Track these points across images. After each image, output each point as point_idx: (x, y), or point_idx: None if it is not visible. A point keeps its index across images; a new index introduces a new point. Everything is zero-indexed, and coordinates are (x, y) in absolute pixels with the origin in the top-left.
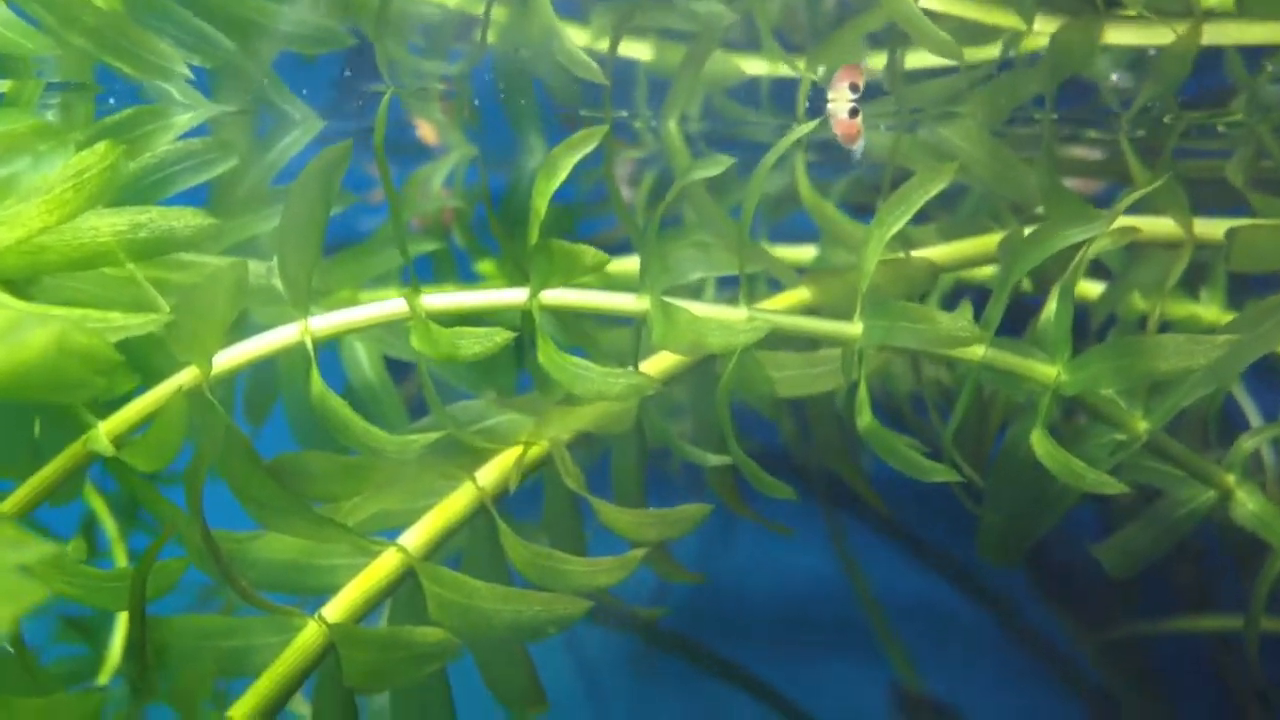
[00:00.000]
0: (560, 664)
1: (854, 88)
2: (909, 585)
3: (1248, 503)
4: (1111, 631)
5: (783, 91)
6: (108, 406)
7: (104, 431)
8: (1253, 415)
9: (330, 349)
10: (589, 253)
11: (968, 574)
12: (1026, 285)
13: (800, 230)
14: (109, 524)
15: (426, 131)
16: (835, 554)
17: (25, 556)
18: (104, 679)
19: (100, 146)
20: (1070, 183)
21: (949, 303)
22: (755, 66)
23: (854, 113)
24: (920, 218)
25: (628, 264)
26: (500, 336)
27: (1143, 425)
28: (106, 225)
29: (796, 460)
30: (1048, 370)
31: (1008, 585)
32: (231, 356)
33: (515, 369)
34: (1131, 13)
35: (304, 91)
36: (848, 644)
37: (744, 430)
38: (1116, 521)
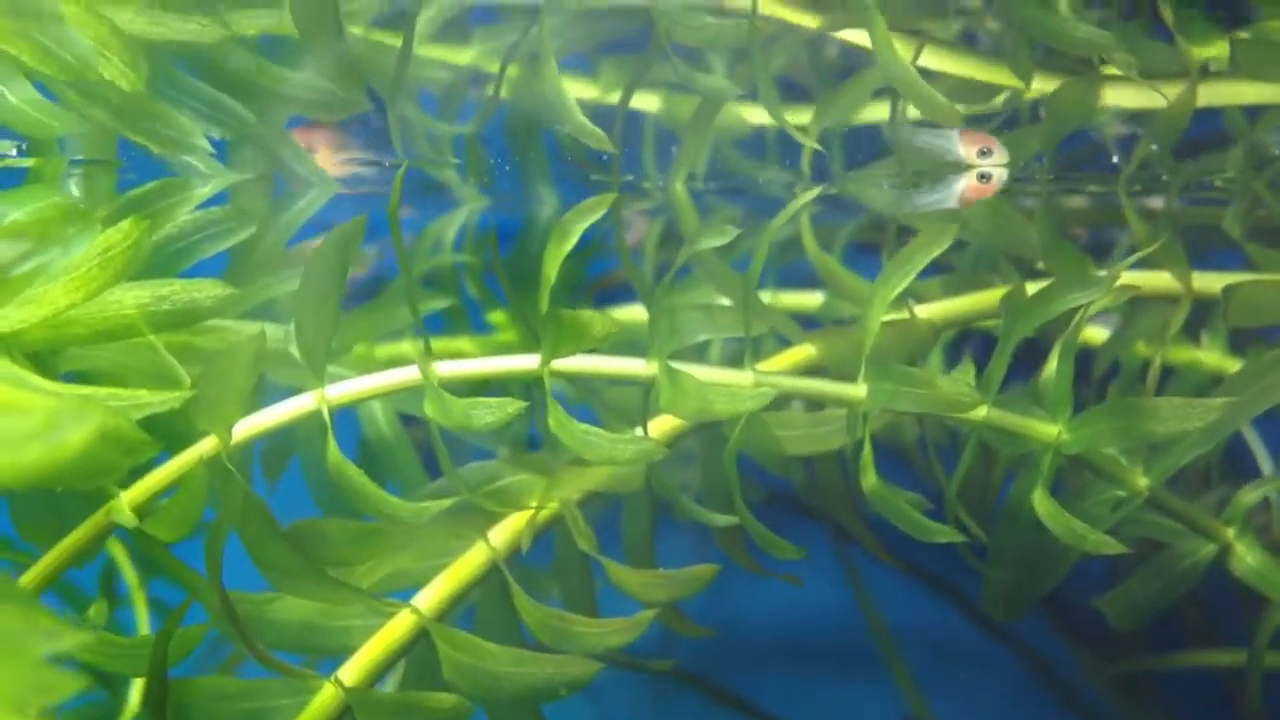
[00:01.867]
0: (572, 698)
1: (984, 153)
2: (920, 618)
3: (1247, 557)
4: (1124, 664)
5: (789, 141)
6: (129, 474)
7: (126, 501)
8: (1259, 451)
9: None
10: (598, 322)
11: (979, 607)
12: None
13: (807, 275)
14: (129, 573)
15: (324, 157)
16: (847, 586)
17: (58, 646)
18: None
19: (125, 224)
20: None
21: (953, 351)
22: (761, 116)
23: (985, 178)
24: (923, 270)
25: (634, 312)
26: (513, 408)
27: (1143, 482)
28: (131, 299)
29: (807, 495)
30: (1049, 430)
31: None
32: (250, 425)
33: (527, 422)
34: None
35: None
36: (859, 676)
37: (753, 472)
38: (1125, 567)
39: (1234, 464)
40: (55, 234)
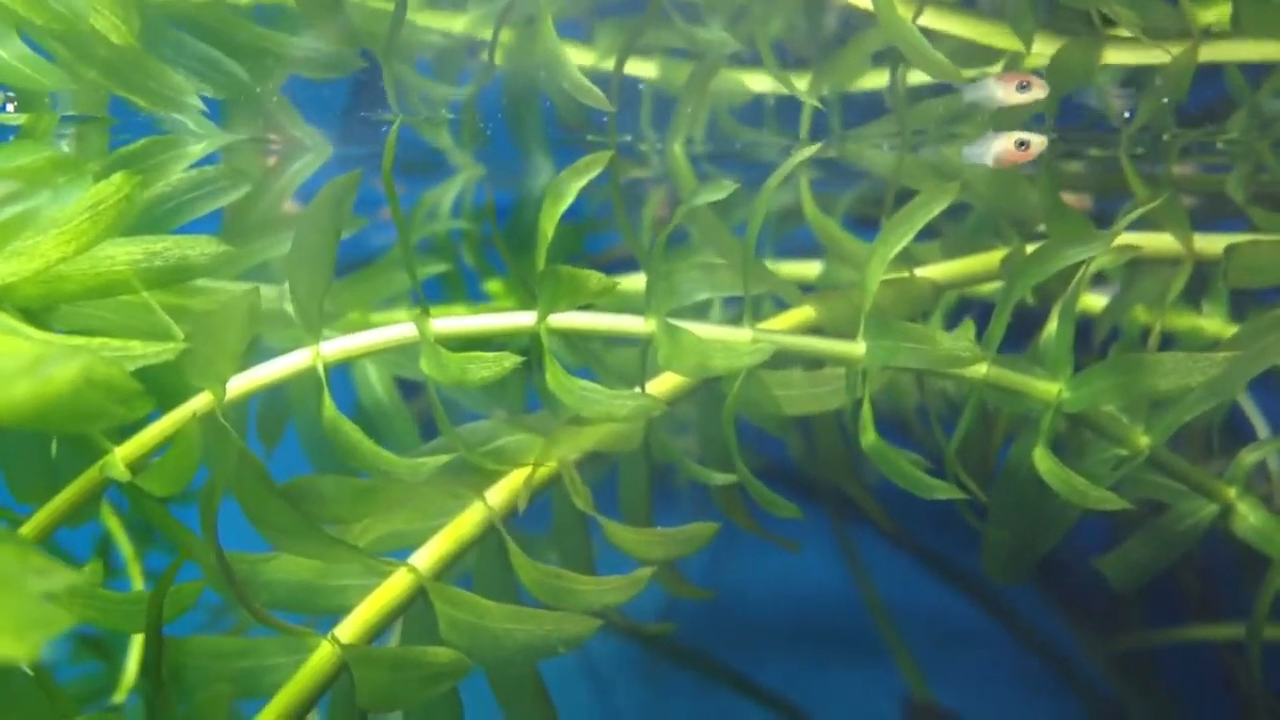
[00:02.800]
0: (571, 675)
1: (1023, 86)
2: (919, 595)
3: (1249, 516)
4: (1123, 641)
5: (787, 108)
6: (123, 431)
7: (120, 457)
8: (1258, 421)
9: (342, 368)
10: (595, 278)
11: (978, 584)
12: (1029, 298)
13: (806, 245)
14: (125, 544)
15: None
16: (845, 564)
17: (51, 584)
18: (120, 697)
19: (116, 177)
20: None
21: (953, 318)
22: (760, 83)
23: (1023, 144)
24: (924, 233)
25: (635, 281)
26: (509, 361)
27: (1144, 440)
28: (123, 254)
29: (805, 472)
30: (1049, 388)
31: (1018, 596)
32: (245, 382)
33: (524, 387)
34: (1129, 34)
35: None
36: (858, 654)
37: (751, 444)
38: (1126, 532)
39: (1234, 435)
40: (46, 180)
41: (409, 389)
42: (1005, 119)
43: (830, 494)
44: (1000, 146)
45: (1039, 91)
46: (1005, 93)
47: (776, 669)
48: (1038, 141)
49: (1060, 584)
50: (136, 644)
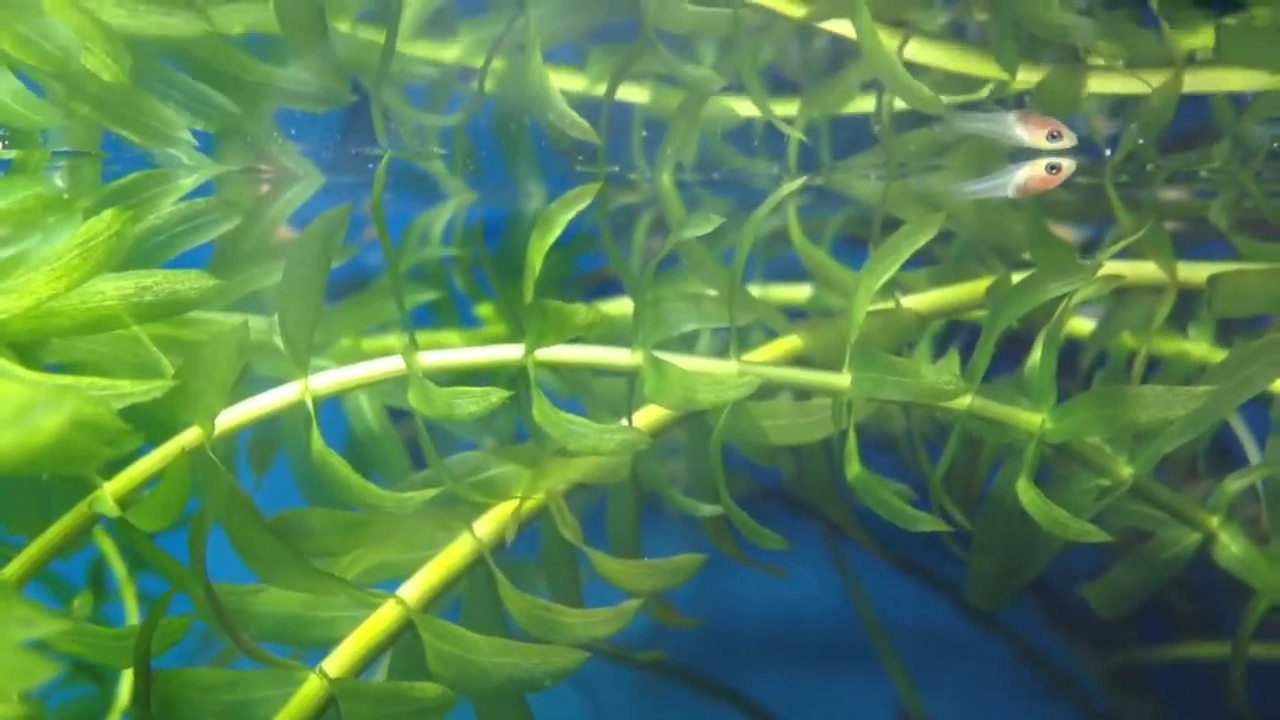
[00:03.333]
0: (563, 691)
1: (1054, 136)
2: (913, 610)
3: (1230, 545)
4: (1118, 656)
5: (776, 133)
6: (113, 465)
7: (109, 492)
8: (1247, 442)
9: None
10: (581, 312)
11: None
12: (1014, 322)
13: (795, 268)
14: (118, 566)
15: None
16: (838, 578)
17: (36, 632)
18: None
19: (107, 214)
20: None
21: (941, 344)
22: (750, 109)
23: (1054, 169)
24: (910, 261)
25: (624, 305)
26: (495, 396)
27: (1127, 471)
28: (113, 289)
29: (796, 487)
30: (1033, 419)
31: (1013, 610)
32: (234, 416)
33: (513, 416)
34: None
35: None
36: (851, 668)
37: (741, 465)
38: (1115, 555)
39: (1222, 456)
40: (36, 221)
41: (401, 411)
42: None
43: (824, 510)
44: (1027, 174)
45: (1068, 142)
46: (1031, 136)
47: (770, 683)
48: (1068, 165)
49: (1054, 599)
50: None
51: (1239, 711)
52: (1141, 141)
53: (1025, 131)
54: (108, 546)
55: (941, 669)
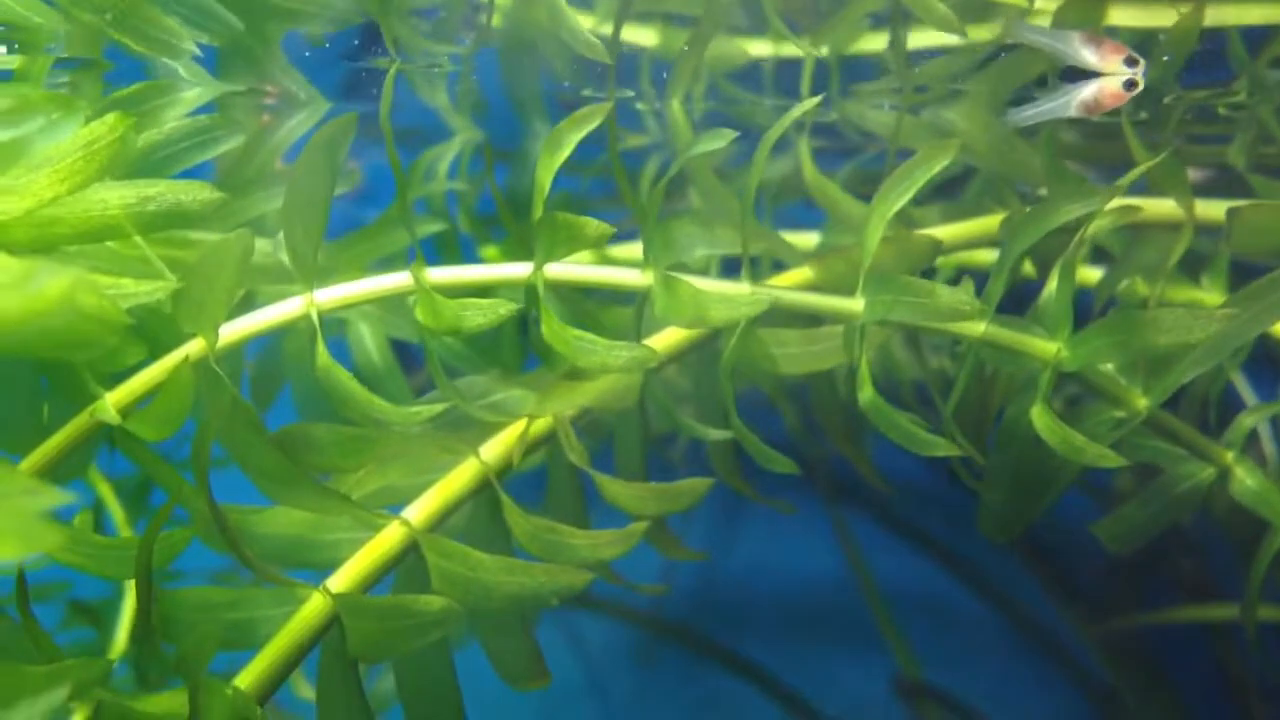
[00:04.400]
0: (564, 654)
1: (1131, 61)
2: (912, 577)
3: (1246, 479)
4: (1115, 623)
5: (787, 75)
6: (115, 379)
7: (110, 402)
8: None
9: (337, 338)
10: (592, 224)
11: (971, 565)
12: (1030, 271)
13: (805, 219)
14: (116, 510)
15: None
16: (838, 546)
17: (40, 503)
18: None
19: (110, 117)
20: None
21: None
22: (760, 49)
23: (1131, 85)
24: (924, 201)
25: (634, 250)
26: (504, 308)
27: (1142, 402)
28: (116, 198)
29: (800, 453)
30: (1048, 346)
31: (1011, 577)
32: (238, 328)
33: (521, 353)
34: None
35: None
36: (850, 634)
37: (748, 423)
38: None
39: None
40: (38, 110)
41: (407, 363)
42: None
43: (826, 475)
44: (1099, 89)
45: (1144, 66)
46: (1103, 60)
47: (770, 650)
48: (1142, 81)
49: (1053, 565)
50: (127, 609)
51: (1242, 672)
52: (1166, 59)
53: (1095, 55)
54: (105, 491)
55: (939, 636)
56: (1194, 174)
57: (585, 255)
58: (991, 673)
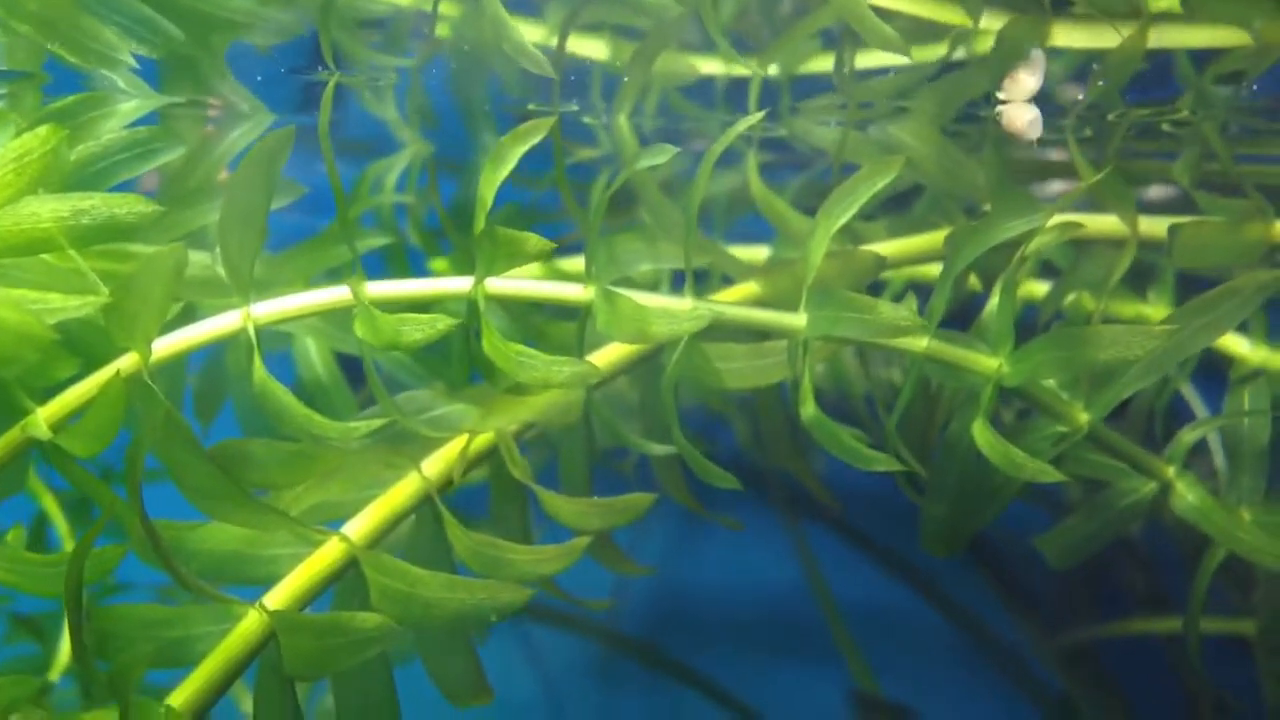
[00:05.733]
0: (519, 669)
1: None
2: (867, 590)
3: (1187, 494)
4: (1070, 635)
5: (738, 92)
6: (48, 394)
7: (42, 417)
8: (1199, 411)
9: (282, 350)
10: (533, 239)
11: (926, 579)
12: (976, 285)
13: (758, 231)
14: (60, 523)
15: None
16: (794, 559)
17: None
18: (54, 677)
19: (42, 130)
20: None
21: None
22: (710, 66)
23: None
24: (870, 217)
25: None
26: (443, 323)
27: (1084, 417)
28: (48, 211)
29: (753, 465)
30: (990, 362)
31: (966, 590)
32: (173, 342)
33: (466, 366)
34: (1079, 11)
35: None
36: (806, 648)
37: (699, 436)
38: None
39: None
40: None
41: (354, 376)
42: None
43: (780, 487)
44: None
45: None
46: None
47: (727, 665)
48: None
49: (1007, 579)
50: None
51: (1195, 685)
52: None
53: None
54: (50, 504)
55: (895, 649)
56: (1159, 190)
57: (532, 269)
58: (948, 685)
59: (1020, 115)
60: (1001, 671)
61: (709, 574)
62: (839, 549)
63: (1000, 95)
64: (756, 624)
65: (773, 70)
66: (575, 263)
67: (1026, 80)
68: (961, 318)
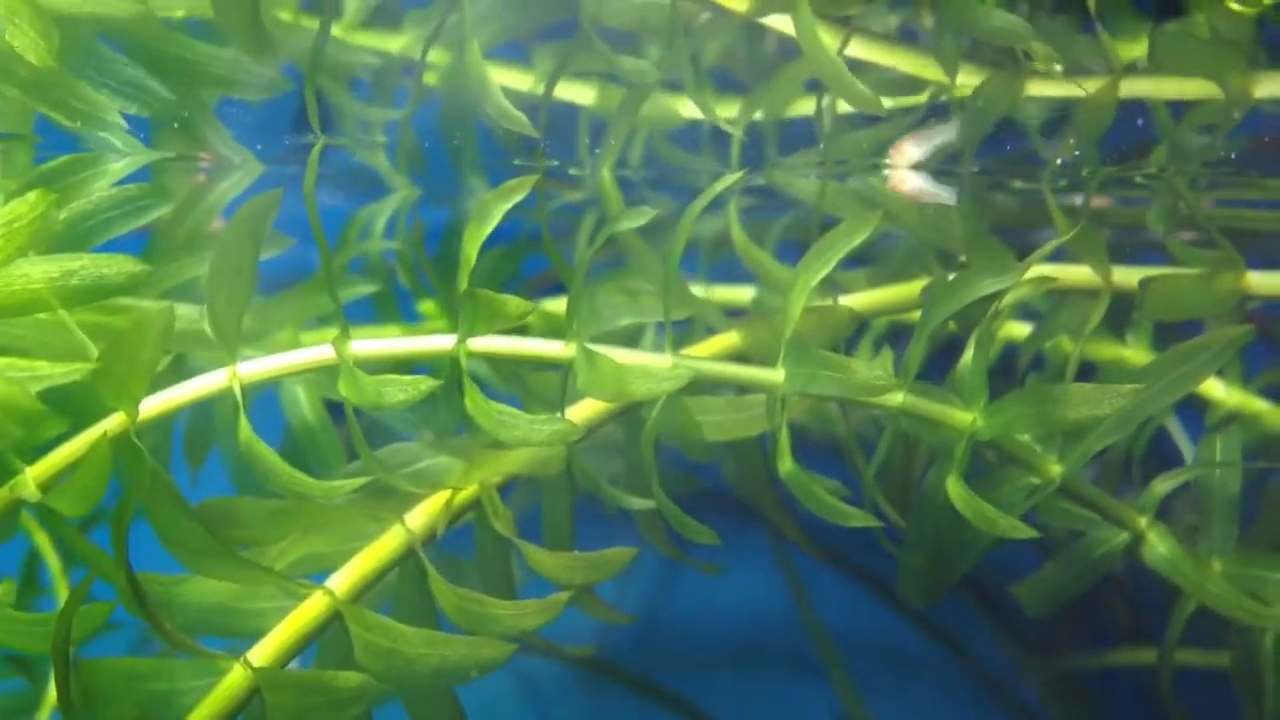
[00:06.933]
0: (507, 697)
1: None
2: (855, 617)
3: (1158, 545)
4: (1058, 663)
5: (723, 134)
6: (38, 451)
7: (31, 477)
8: (1187, 450)
9: (271, 389)
10: (514, 303)
11: (914, 606)
12: (952, 327)
13: (740, 272)
14: (52, 561)
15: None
16: (783, 585)
17: None
18: (44, 715)
19: (32, 195)
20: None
21: (882, 345)
22: (695, 110)
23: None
24: (852, 265)
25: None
26: (425, 385)
27: (1056, 470)
28: (38, 272)
29: (738, 487)
30: (964, 417)
31: (955, 617)
32: (160, 402)
33: (453, 414)
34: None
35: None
36: (794, 675)
37: (686, 465)
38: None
39: (1161, 464)
40: None
41: (342, 413)
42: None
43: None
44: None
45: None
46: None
47: (713, 690)
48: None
49: (995, 606)
50: None
51: (1175, 714)
52: (1077, 152)
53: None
54: (42, 541)
55: (883, 675)
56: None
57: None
58: (935, 713)
59: (904, 183)
60: (990, 698)
61: (697, 598)
62: (827, 574)
63: (887, 161)
64: (745, 648)
65: (757, 116)
66: (561, 304)
67: (910, 150)
68: (944, 356)
